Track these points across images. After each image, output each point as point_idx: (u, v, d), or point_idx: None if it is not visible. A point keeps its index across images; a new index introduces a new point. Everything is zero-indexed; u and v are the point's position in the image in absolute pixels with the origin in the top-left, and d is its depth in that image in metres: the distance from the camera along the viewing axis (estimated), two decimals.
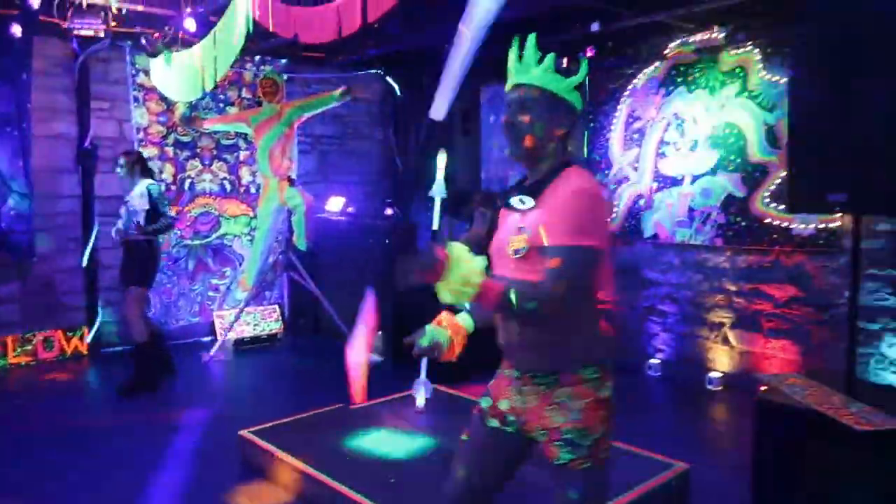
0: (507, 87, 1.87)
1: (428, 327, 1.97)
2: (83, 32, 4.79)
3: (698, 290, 5.28)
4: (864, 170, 2.76)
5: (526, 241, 1.76)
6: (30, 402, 4.83)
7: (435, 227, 4.09)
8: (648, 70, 5.53)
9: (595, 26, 5.19)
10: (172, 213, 5.19)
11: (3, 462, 3.73)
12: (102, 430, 4.22)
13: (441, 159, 4.07)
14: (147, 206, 4.79)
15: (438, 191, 3.98)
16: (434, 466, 3.19)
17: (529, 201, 1.80)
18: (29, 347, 5.65)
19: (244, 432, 3.70)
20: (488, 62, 6.56)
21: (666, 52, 5.37)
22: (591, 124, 6.00)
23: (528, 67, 1.83)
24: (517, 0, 4.74)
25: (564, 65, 1.87)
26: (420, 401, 4.14)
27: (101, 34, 4.81)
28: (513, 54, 1.86)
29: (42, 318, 5.77)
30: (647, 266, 5.63)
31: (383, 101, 7.74)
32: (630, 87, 5.66)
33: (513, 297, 1.65)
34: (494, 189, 6.74)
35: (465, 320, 2.03)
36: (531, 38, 1.83)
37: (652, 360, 5.46)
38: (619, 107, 5.76)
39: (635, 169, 5.66)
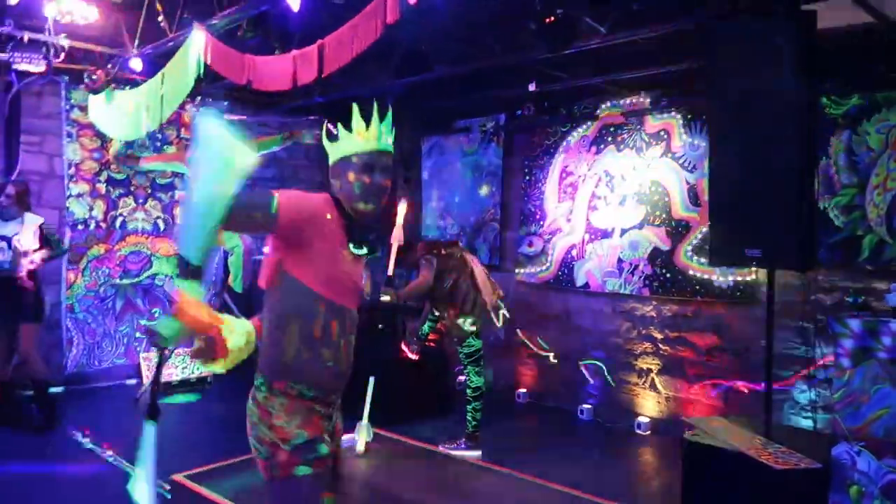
0: (368, 149, 1.96)
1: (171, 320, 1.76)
2: (23, 67, 4.68)
3: (627, 337, 5.53)
4: (775, 227, 3.07)
5: (367, 280, 2.09)
6: None
7: (390, 272, 4.17)
8: (581, 129, 5.88)
9: (532, 86, 5.50)
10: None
11: None
12: (30, 475, 4.00)
13: (402, 207, 4.18)
14: (37, 244, 4.69)
15: (397, 237, 4.07)
16: None
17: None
18: None
19: (178, 476, 3.61)
20: (429, 114, 6.84)
21: (598, 112, 5.73)
22: (527, 177, 6.28)
23: (388, 135, 2.02)
24: (462, 57, 5.03)
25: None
26: (360, 445, 4.14)
27: (42, 69, 4.71)
28: (356, 120, 1.99)
29: None
30: (579, 314, 5.86)
31: (323, 145, 7.82)
32: (564, 143, 5.99)
33: None
34: (432, 237, 6.90)
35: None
36: (389, 108, 2.05)
37: (584, 406, 5.64)
38: (553, 161, 6.06)
39: (568, 221, 5.93)
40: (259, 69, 3.57)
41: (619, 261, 5.53)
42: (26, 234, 4.66)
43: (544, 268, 6.09)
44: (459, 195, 6.87)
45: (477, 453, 4.50)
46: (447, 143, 6.99)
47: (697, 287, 5.06)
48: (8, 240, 4.61)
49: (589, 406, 5.65)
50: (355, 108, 2.02)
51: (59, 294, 5.91)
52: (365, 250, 1.97)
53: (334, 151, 2.02)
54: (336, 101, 6.52)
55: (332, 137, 2.04)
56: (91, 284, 6.15)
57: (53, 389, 4.97)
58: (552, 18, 3.76)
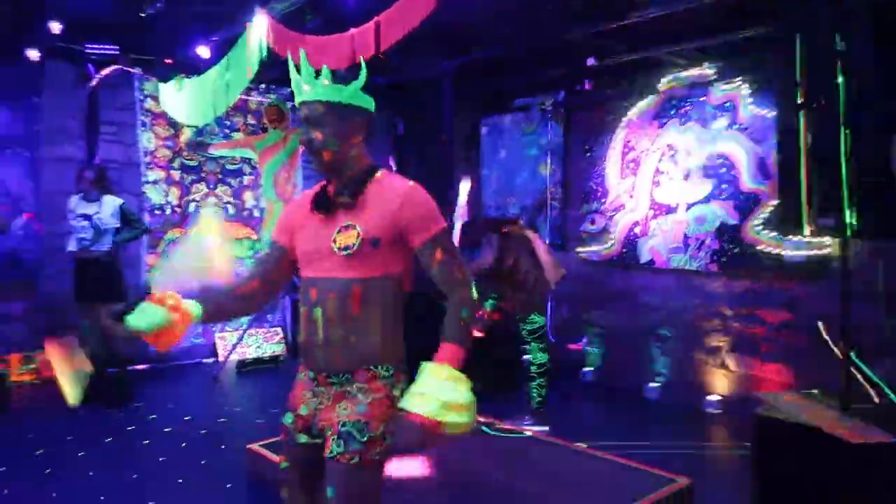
0: (298, 102, 1.87)
1: (145, 304, 1.75)
2: (99, 57, 4.93)
3: (695, 314, 5.41)
4: (850, 196, 2.93)
5: (357, 237, 1.79)
6: (36, 419, 4.85)
7: None
8: (643, 103, 5.74)
9: (591, 61, 5.41)
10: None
11: (15, 471, 3.76)
12: (112, 444, 4.26)
13: (464, 185, 4.21)
14: (118, 223, 4.93)
15: (460, 215, 4.10)
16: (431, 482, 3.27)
17: (348, 202, 1.84)
18: (33, 366, 5.68)
19: (252, 446, 3.76)
20: (487, 94, 6.81)
21: (660, 85, 5.58)
22: (588, 154, 6.18)
23: (308, 84, 1.84)
24: (517, 36, 4.99)
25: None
26: None
27: (116, 59, 4.95)
28: (292, 74, 1.88)
29: (46, 336, 5.80)
30: (645, 291, 5.76)
31: (384, 130, 7.92)
32: (625, 118, 5.86)
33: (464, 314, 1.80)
34: (492, 216, 6.90)
35: (193, 306, 1.82)
36: (302, 55, 1.87)
37: (651, 384, 5.56)
38: (614, 137, 5.95)
39: (631, 197, 5.82)
40: (318, 49, 3.64)
41: (685, 236, 5.40)
42: (105, 213, 4.92)
43: (607, 245, 6.01)
44: (519, 175, 6.84)
45: (544, 429, 4.51)
46: (506, 122, 6.95)
47: (767, 262, 4.89)
48: (89, 217, 4.90)
49: (656, 384, 5.56)
50: (290, 62, 1.92)
51: (140, 276, 6.22)
52: (324, 210, 1.87)
53: (367, 102, 1.92)
54: (395, 84, 6.61)
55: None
56: None
57: (134, 367, 5.26)
58: None
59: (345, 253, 1.79)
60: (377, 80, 6.14)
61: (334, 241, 1.81)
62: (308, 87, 1.84)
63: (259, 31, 4.06)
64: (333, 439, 1.76)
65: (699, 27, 4.61)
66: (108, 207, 4.97)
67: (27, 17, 4.76)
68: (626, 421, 5.05)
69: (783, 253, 4.79)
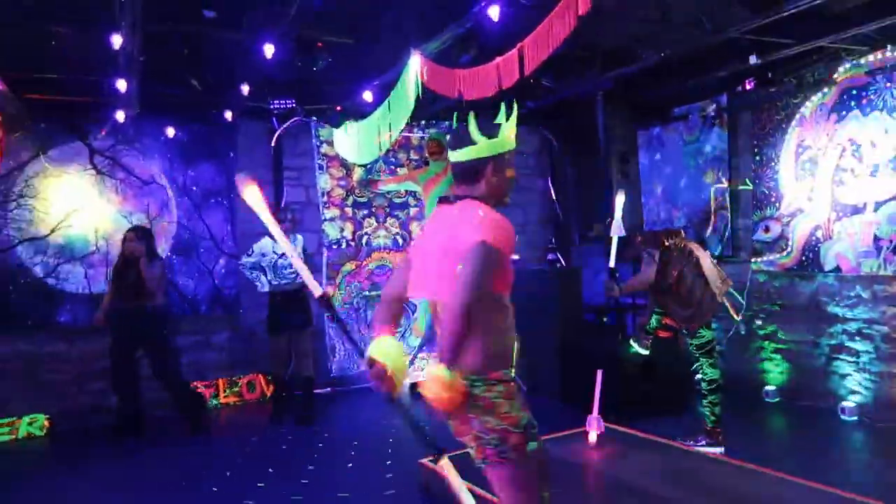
0: (510, 147, 2.17)
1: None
2: (280, 111, 5.57)
3: (893, 325, 4.85)
4: None
5: None
6: (237, 436, 5.47)
7: (612, 264, 4.20)
8: (816, 97, 5.32)
9: (753, 59, 5.13)
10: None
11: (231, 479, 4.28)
12: (304, 458, 4.70)
13: (619, 199, 4.19)
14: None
15: (616, 229, 4.09)
16: (601, 497, 3.23)
17: None
18: (236, 389, 6.41)
19: (425, 461, 3.95)
20: (643, 105, 6.68)
21: (835, 76, 5.15)
22: (757, 158, 5.83)
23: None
24: (672, 41, 4.87)
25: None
26: (592, 437, 4.18)
27: (295, 111, 5.56)
28: (508, 119, 2.16)
29: (246, 363, 6.54)
30: (832, 301, 5.27)
31: (540, 152, 8.03)
32: (797, 116, 5.47)
33: None
34: (650, 229, 6.69)
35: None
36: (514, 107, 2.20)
37: (845, 403, 5.05)
38: (786, 137, 5.56)
39: (809, 199, 5.39)
40: (467, 80, 3.84)
41: (876, 238, 4.88)
42: (298, 250, 5.50)
43: (784, 253, 5.59)
44: (682, 185, 6.59)
45: (719, 450, 4.27)
46: (665, 132, 6.76)
47: None
48: (284, 256, 5.49)
49: (852, 404, 5.03)
50: (503, 107, 2.19)
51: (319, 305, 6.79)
52: None
53: (493, 147, 2.12)
54: (543, 107, 6.70)
55: (489, 132, 2.13)
56: (346, 297, 6.99)
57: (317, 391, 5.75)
58: None
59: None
60: (529, 105, 6.29)
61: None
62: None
63: (414, 70, 4.36)
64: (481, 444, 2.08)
65: (875, 7, 4.21)
66: (298, 245, 5.54)
67: (222, 84, 5.49)
68: (817, 443, 4.62)
69: None
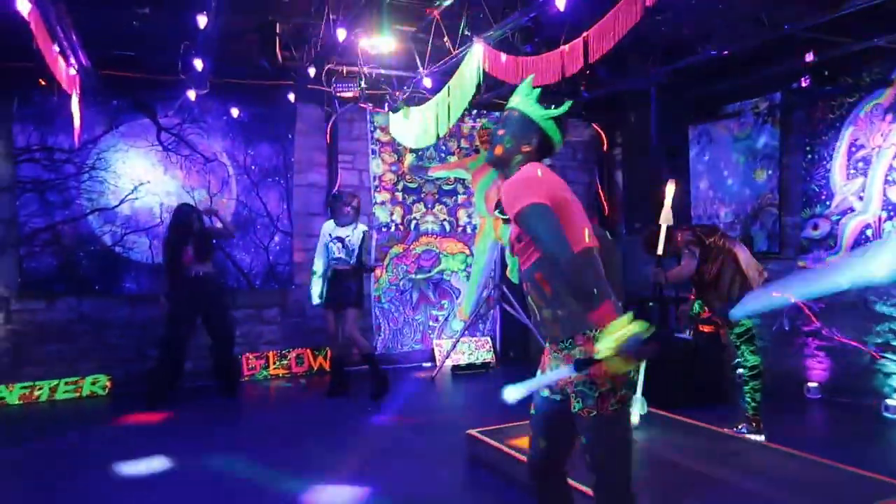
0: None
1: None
2: (344, 95, 5.78)
3: None
4: None
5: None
6: (291, 408, 5.71)
7: (659, 251, 4.31)
8: (873, 97, 5.33)
9: (809, 56, 5.17)
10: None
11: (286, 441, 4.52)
12: (350, 427, 4.91)
13: (670, 188, 4.29)
14: (359, 245, 5.67)
15: (666, 218, 4.19)
16: (644, 473, 3.35)
17: None
18: (285, 362, 6.66)
19: (472, 431, 4.12)
20: (695, 101, 6.73)
21: (892, 76, 5.16)
22: (809, 156, 5.85)
23: (518, 95, 2.23)
24: (730, 36, 4.94)
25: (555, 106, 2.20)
26: (634, 418, 4.29)
27: (357, 96, 5.76)
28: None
29: (296, 337, 6.79)
30: (880, 299, 5.29)
31: (589, 145, 8.12)
32: (852, 115, 5.48)
33: None
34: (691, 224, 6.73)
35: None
36: (529, 78, 2.28)
37: (889, 401, 5.07)
38: (839, 136, 5.58)
39: (860, 198, 5.41)
40: (531, 68, 3.98)
41: None
42: (356, 236, 5.70)
43: (833, 251, 5.61)
44: (732, 182, 6.63)
45: (760, 437, 4.35)
46: (716, 129, 6.79)
47: None
48: (342, 240, 5.70)
49: None
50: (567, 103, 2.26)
51: (369, 287, 7.02)
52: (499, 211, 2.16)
53: (550, 128, 2.17)
54: (595, 100, 6.79)
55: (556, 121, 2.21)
56: (393, 279, 7.20)
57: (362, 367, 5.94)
58: None
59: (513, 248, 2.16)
60: (585, 95, 6.38)
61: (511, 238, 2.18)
62: (517, 98, 2.24)
63: (477, 57, 4.52)
64: (573, 397, 2.06)
65: None
66: (358, 232, 5.74)
67: (287, 68, 5.72)
68: (860, 437, 4.67)
69: None
